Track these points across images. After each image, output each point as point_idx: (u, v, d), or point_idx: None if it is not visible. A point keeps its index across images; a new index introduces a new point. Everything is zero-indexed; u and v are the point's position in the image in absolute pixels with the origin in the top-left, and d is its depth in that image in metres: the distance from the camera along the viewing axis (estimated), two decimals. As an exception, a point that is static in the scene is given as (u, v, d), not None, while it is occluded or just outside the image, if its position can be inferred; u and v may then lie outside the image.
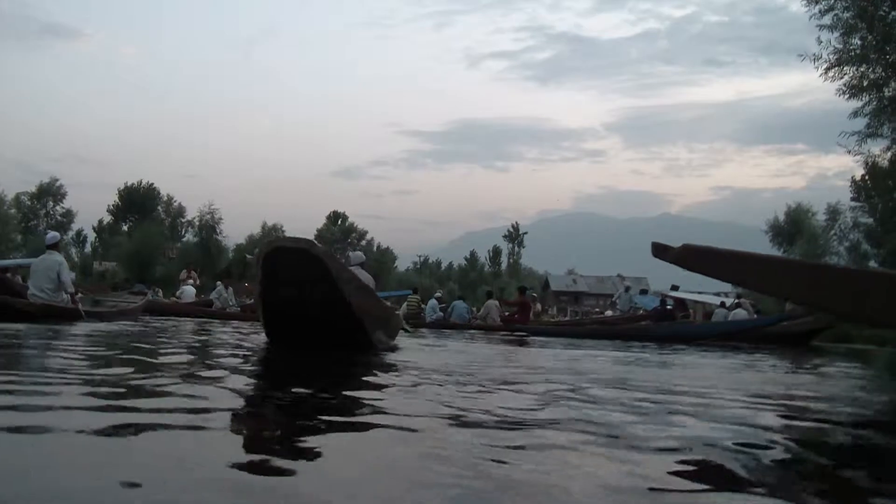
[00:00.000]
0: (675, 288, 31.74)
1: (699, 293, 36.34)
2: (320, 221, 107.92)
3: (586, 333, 21.41)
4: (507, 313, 26.49)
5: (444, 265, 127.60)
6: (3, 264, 36.64)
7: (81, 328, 9.89)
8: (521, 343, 15.11)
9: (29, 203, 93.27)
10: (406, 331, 13.77)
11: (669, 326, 22.71)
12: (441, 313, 27.49)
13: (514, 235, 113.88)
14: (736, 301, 27.04)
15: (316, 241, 7.39)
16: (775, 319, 22.38)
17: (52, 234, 12.98)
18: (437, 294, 31.66)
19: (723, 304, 25.89)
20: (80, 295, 13.77)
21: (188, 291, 27.16)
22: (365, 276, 12.55)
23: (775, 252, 70.97)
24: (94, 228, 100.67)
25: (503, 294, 79.22)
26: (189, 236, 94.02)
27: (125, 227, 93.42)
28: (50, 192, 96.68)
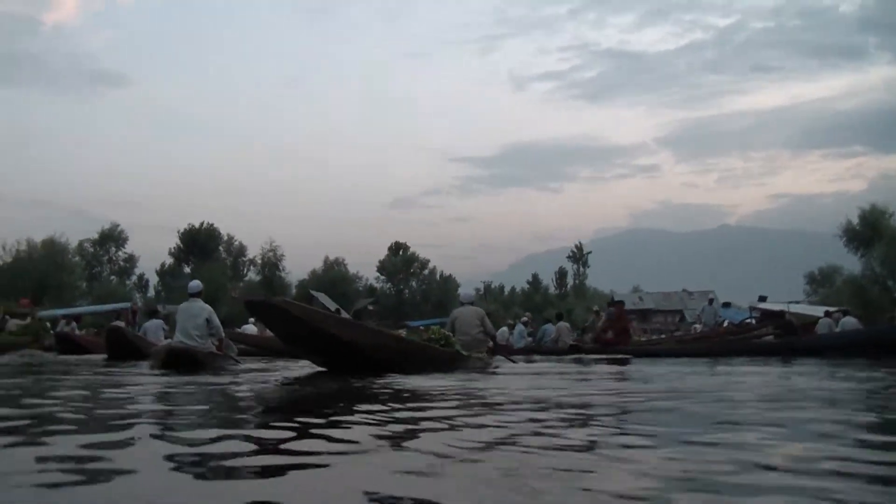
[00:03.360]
0: (762, 299, 30.27)
1: (787, 303, 34.75)
2: (381, 253, 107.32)
3: (704, 352, 19.51)
4: (604, 334, 24.38)
5: (507, 290, 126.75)
6: (76, 312, 36.43)
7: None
8: (638, 367, 13.47)
9: (92, 250, 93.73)
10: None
11: (804, 339, 20.89)
12: (530, 338, 26.23)
13: (579, 256, 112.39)
14: (841, 309, 25.51)
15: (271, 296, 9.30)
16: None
17: (195, 283, 13.16)
18: (524, 318, 30.43)
19: (827, 314, 24.28)
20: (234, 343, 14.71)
21: (249, 329, 26.44)
22: (468, 313, 14.39)
23: (853, 257, 69.28)
24: (156, 272, 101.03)
25: (571, 316, 77.81)
26: (252, 275, 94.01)
27: (187, 269, 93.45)
28: (112, 237, 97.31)
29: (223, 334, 13.01)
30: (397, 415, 4.62)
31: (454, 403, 5.75)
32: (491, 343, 14.99)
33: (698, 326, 32.71)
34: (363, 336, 10.57)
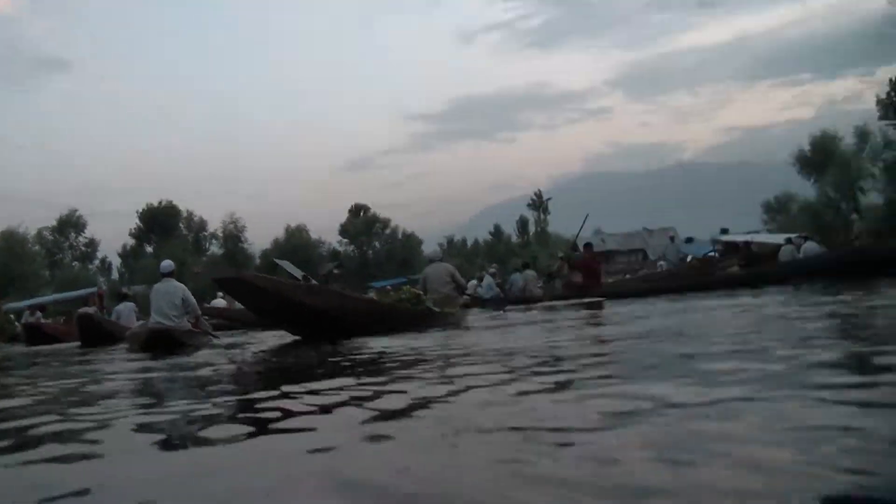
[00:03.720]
0: (724, 231, 30.65)
1: (746, 233, 35.15)
2: (342, 216, 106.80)
3: (675, 288, 19.20)
4: (574, 279, 24.02)
5: (469, 242, 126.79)
6: (40, 302, 36.19)
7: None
8: (618, 309, 13.37)
9: (51, 238, 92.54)
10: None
11: (769, 268, 21.30)
12: (498, 290, 26.38)
13: (539, 203, 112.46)
14: (803, 235, 25.89)
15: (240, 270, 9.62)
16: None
17: (167, 263, 13.23)
18: (491, 270, 30.60)
19: (789, 241, 24.62)
20: (205, 317, 14.63)
21: (218, 303, 26.75)
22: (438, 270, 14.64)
23: (806, 183, 70.20)
24: (118, 254, 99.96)
25: (536, 263, 78.22)
26: (214, 248, 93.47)
27: (149, 249, 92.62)
28: (70, 223, 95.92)
29: (199, 312, 13.10)
30: (367, 382, 4.81)
31: (424, 366, 5.79)
32: (466, 298, 15.19)
33: (663, 264, 33.04)
34: (332, 302, 10.90)
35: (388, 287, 43.01)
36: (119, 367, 9.03)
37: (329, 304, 10.77)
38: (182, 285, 13.04)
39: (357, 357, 7.21)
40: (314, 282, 30.82)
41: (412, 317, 11.98)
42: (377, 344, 8.31)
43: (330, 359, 7.25)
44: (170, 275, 12.85)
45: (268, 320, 12.54)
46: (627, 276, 41.60)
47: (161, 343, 11.43)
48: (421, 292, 13.43)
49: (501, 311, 16.34)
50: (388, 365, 6.23)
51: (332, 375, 5.53)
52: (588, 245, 25.12)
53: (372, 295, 33.19)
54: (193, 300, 12.75)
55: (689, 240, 35.79)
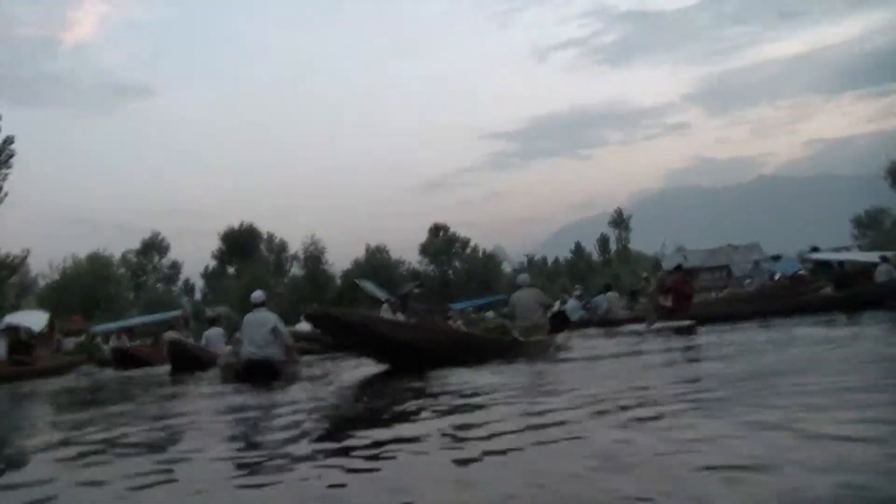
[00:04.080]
0: (815, 249, 29.74)
1: (836, 249, 34.27)
2: (422, 236, 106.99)
3: (770, 311, 18.30)
4: (664, 301, 23.01)
5: (549, 260, 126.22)
6: (128, 324, 36.79)
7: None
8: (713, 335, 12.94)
9: (136, 260, 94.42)
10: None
11: (881, 287, 20.08)
12: (583, 312, 26.02)
13: (619, 220, 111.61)
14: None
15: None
16: None
17: (258, 294, 13.27)
18: (577, 292, 30.21)
19: (885, 259, 23.75)
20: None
21: (302, 327, 26.58)
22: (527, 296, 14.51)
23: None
24: (200, 275, 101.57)
25: (619, 281, 77.50)
26: (295, 269, 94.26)
27: (231, 270, 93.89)
28: (154, 246, 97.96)
29: (290, 341, 13.01)
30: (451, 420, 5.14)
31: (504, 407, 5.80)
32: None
33: (750, 281, 32.31)
34: (419, 335, 11.15)
35: (470, 309, 42.92)
36: (216, 403, 8.88)
37: (416, 337, 11.00)
38: (274, 315, 13.14)
39: (442, 393, 7.12)
40: (395, 299, 30.94)
41: (499, 347, 11.95)
42: (461, 378, 8.30)
43: (413, 399, 7.03)
44: (261, 305, 12.90)
45: (361, 352, 12.46)
46: (713, 293, 40.83)
47: (256, 373, 11.51)
48: (506, 322, 13.29)
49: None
50: (472, 403, 6.19)
51: (416, 416, 5.58)
52: (679, 267, 23.86)
53: (451, 316, 33.07)
54: (285, 330, 12.81)
55: (777, 257, 34.73)
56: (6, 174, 35.87)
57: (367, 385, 9.46)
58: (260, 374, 11.49)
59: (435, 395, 7.03)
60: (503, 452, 3.71)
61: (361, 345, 11.64)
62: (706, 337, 13.07)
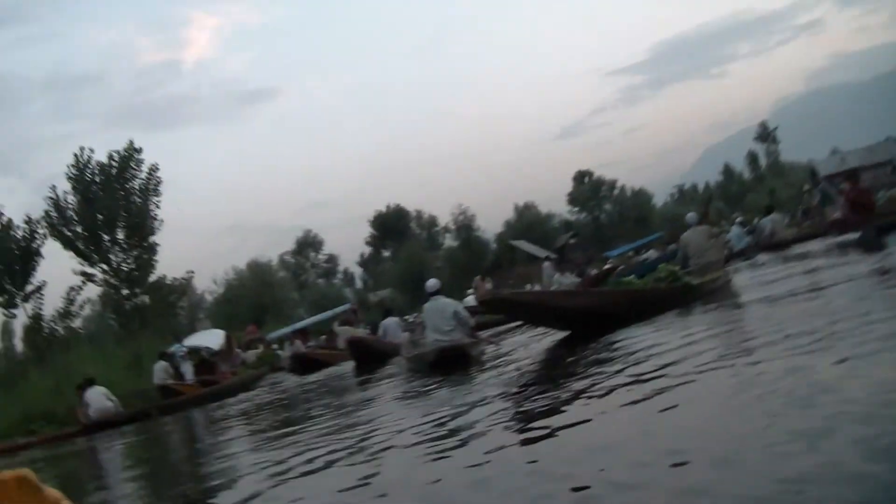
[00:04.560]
0: None
1: None
2: (567, 186, 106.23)
3: None
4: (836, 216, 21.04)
5: (700, 187, 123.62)
6: (300, 326, 37.62)
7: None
8: None
9: (293, 260, 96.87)
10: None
11: None
12: (748, 238, 25.13)
13: (766, 134, 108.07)
14: None
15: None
16: None
17: (433, 282, 13.41)
18: (738, 218, 29.24)
19: None
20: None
21: (469, 301, 26.47)
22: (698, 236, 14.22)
23: None
24: (357, 264, 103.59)
25: (775, 195, 75.12)
26: (449, 241, 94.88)
27: (387, 253, 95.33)
28: (308, 243, 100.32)
29: (472, 323, 12.93)
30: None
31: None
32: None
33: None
34: (591, 301, 11.33)
35: (631, 252, 42.11)
36: (421, 405, 8.72)
37: (588, 303, 11.13)
38: (452, 300, 13.36)
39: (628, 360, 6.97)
40: (553, 254, 30.59)
41: (673, 297, 11.70)
42: (642, 340, 8.21)
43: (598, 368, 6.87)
44: (437, 292, 12.98)
45: (539, 323, 12.57)
46: (881, 193, 38.85)
47: (449, 360, 11.41)
48: (676, 268, 12.88)
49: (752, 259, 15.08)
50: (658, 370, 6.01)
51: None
52: (854, 174, 20.96)
53: (610, 264, 32.48)
54: (466, 313, 12.76)
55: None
56: (158, 202, 36.86)
57: (552, 361, 9.43)
58: (452, 360, 11.41)
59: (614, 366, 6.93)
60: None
61: (538, 318, 11.97)
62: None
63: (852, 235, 15.54)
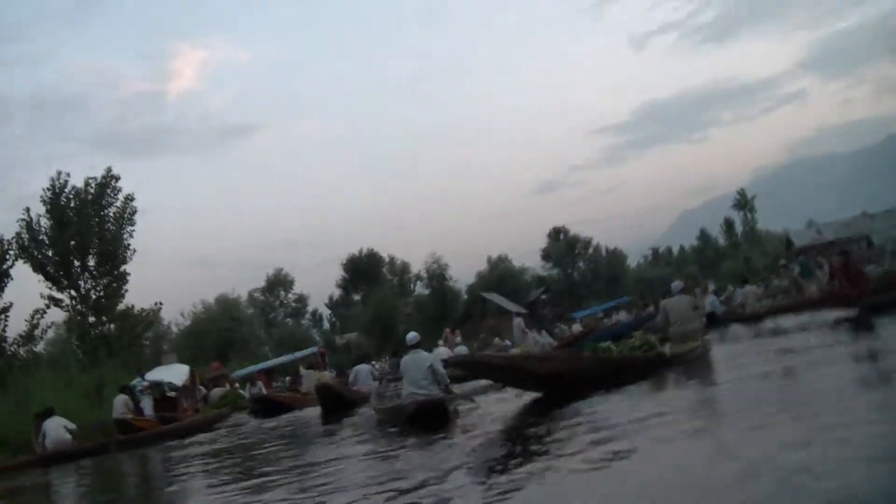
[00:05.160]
0: None
1: None
2: (542, 241, 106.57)
3: None
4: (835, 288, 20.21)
5: (673, 250, 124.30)
6: (266, 366, 37.33)
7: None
8: None
9: (262, 297, 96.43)
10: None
11: None
12: (723, 307, 25.10)
13: (744, 202, 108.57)
14: None
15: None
16: None
17: (412, 335, 13.31)
18: (712, 287, 29.28)
19: None
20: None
21: (443, 352, 26.32)
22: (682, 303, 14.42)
23: None
24: (326, 305, 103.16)
25: (750, 264, 75.63)
26: (420, 289, 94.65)
27: (357, 297, 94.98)
28: (279, 282, 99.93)
29: (447, 380, 12.81)
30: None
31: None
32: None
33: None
34: (562, 366, 11.43)
35: (600, 314, 42.16)
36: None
37: (558, 368, 11.22)
38: (430, 355, 13.50)
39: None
40: (525, 310, 30.49)
41: (647, 365, 11.87)
42: (613, 411, 8.29)
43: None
44: (416, 345, 12.98)
45: (511, 385, 12.79)
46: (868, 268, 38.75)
47: (429, 414, 11.34)
48: (651, 338, 12.97)
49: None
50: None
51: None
52: (844, 252, 20.20)
53: (578, 326, 32.42)
54: (442, 369, 12.70)
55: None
56: (132, 231, 36.49)
57: (521, 427, 9.28)
58: (430, 414, 11.35)
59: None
60: None
61: (510, 380, 12.29)
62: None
63: (844, 312, 15.31)
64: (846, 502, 3.53)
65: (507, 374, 11.84)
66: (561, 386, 10.77)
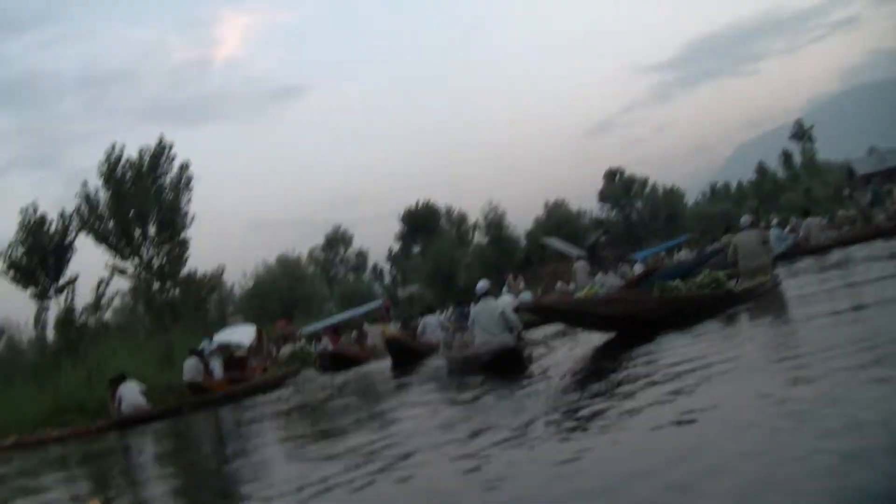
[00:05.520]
0: None
1: None
2: (597, 183, 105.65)
3: None
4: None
5: (731, 185, 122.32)
6: (333, 322, 37.57)
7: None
8: None
9: (322, 255, 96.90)
10: None
11: None
12: (789, 238, 24.47)
13: (801, 132, 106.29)
14: None
15: None
16: None
17: (482, 284, 13.55)
18: (775, 219, 28.78)
19: None
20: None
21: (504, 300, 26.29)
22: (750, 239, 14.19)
23: None
24: (386, 259, 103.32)
25: (811, 194, 74.39)
26: (478, 237, 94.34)
27: (416, 250, 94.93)
28: (338, 239, 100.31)
29: (520, 326, 12.86)
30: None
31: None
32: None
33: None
34: (629, 308, 11.40)
35: (662, 253, 41.81)
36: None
37: (626, 310, 11.23)
38: (500, 302, 13.68)
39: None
40: (584, 252, 30.25)
41: (716, 304, 11.68)
42: (684, 354, 8.05)
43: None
44: (486, 294, 13.15)
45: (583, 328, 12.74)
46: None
47: (503, 361, 11.37)
48: (720, 275, 12.79)
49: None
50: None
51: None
52: None
53: (640, 266, 32.02)
54: (514, 316, 12.75)
55: None
56: (189, 197, 36.92)
57: (595, 371, 9.18)
58: (507, 362, 11.35)
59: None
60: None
61: (579, 323, 12.38)
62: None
63: None
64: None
65: (576, 317, 11.93)
66: (631, 327, 10.74)
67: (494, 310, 12.59)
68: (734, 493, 3.31)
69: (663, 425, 4.90)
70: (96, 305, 32.47)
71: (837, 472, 3.16)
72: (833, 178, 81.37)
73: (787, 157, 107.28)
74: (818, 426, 3.87)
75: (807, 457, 3.45)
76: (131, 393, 18.94)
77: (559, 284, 33.83)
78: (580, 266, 28.47)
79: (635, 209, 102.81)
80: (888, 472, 3.09)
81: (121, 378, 19.50)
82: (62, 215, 36.20)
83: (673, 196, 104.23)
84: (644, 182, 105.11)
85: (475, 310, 13.00)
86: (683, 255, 35.84)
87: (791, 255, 22.27)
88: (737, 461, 3.72)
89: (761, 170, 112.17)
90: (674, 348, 8.67)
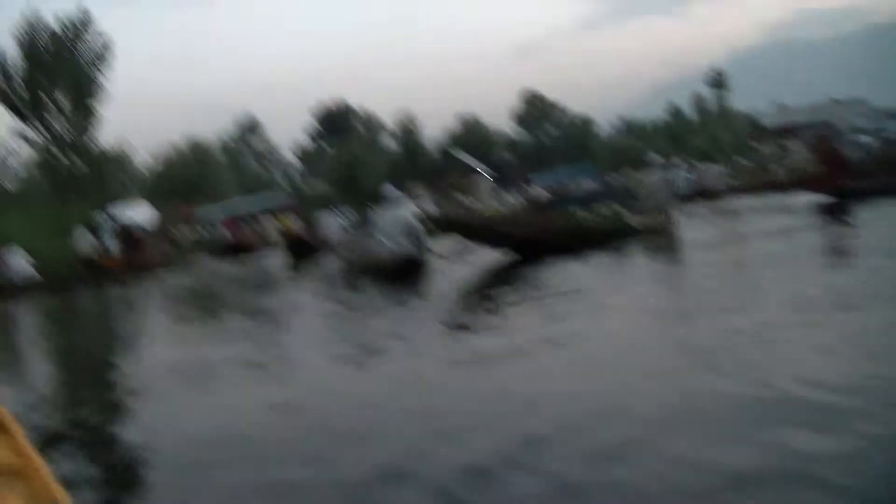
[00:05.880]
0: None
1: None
2: (514, 104, 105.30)
3: None
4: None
5: (647, 124, 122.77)
6: (234, 212, 37.35)
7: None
8: None
9: (231, 143, 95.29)
10: None
11: None
12: (689, 181, 25.00)
13: (718, 80, 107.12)
14: None
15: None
16: None
17: (391, 189, 14.05)
18: (679, 162, 29.18)
19: None
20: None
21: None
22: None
23: None
24: (295, 154, 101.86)
25: (714, 144, 75.72)
26: (391, 144, 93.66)
27: (327, 148, 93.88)
28: (248, 128, 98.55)
29: (426, 238, 12.68)
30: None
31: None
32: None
33: (866, 139, 30.59)
34: (535, 230, 12.01)
35: (565, 180, 41.88)
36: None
37: (530, 232, 11.77)
38: (408, 212, 13.34)
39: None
40: (492, 171, 30.37)
41: (615, 234, 12.10)
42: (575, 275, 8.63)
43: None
44: (393, 201, 13.34)
45: (489, 247, 12.58)
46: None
47: (406, 270, 11.49)
48: (620, 209, 13.21)
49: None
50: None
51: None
52: (823, 138, 20.39)
53: (539, 190, 32.24)
54: (421, 227, 12.64)
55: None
56: (104, 70, 35.92)
57: (489, 288, 9.50)
58: (409, 271, 11.48)
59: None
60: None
61: (483, 240, 12.26)
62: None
63: (818, 197, 14.21)
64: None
65: (480, 234, 12.04)
66: (533, 249, 11.06)
67: (401, 219, 12.55)
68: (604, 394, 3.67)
69: (540, 341, 5.19)
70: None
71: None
72: (739, 128, 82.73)
73: (699, 102, 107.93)
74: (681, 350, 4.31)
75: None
76: (18, 262, 18.67)
77: (464, 198, 34.06)
78: (489, 184, 28.75)
79: (548, 134, 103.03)
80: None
81: (8, 244, 19.16)
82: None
83: (586, 126, 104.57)
84: (560, 109, 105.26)
85: (381, 216, 13.06)
86: (587, 183, 36.25)
87: (689, 197, 22.79)
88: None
89: (676, 112, 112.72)
90: (569, 273, 9.05)
